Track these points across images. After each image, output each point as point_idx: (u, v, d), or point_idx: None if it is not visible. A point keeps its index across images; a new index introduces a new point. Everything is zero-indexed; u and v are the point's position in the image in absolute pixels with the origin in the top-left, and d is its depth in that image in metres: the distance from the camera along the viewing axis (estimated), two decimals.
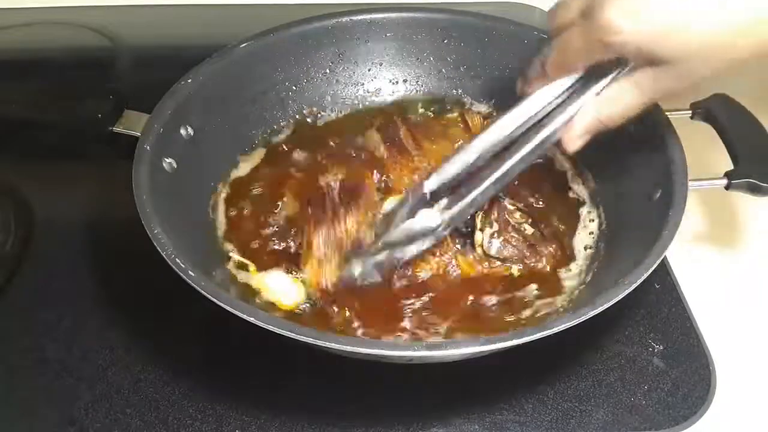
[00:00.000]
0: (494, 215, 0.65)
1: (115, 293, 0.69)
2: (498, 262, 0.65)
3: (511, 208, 0.67)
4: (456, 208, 0.59)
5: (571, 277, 0.66)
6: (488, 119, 0.78)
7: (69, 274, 0.70)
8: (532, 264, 0.65)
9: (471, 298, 0.63)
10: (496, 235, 0.64)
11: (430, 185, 0.60)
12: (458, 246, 0.65)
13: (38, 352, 0.64)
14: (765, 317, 0.68)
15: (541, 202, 0.71)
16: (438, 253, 0.64)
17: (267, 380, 0.62)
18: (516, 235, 0.65)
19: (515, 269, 0.65)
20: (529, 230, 0.66)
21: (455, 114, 0.80)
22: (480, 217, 0.65)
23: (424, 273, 0.64)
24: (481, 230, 0.65)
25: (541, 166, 0.75)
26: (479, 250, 0.65)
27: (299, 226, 0.67)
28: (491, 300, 0.63)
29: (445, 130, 0.77)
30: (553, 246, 0.67)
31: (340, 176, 0.71)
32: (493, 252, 0.65)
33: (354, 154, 0.74)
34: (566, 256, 0.67)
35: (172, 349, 0.64)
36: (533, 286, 0.64)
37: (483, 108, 0.81)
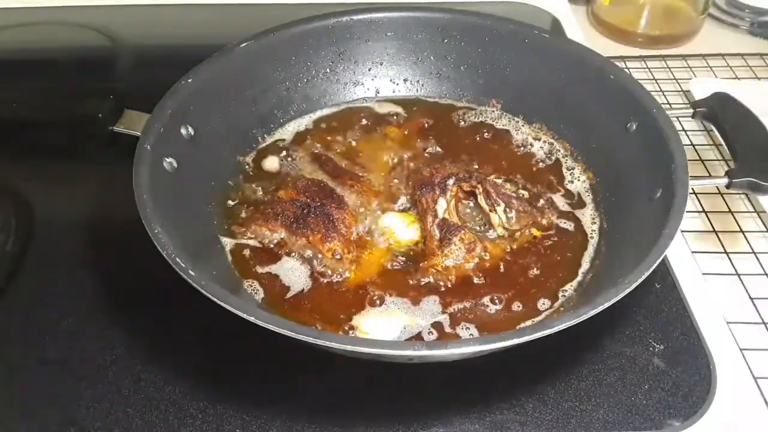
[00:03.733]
0: (493, 195, 0.68)
1: (115, 293, 0.69)
2: (518, 233, 0.68)
3: (500, 182, 0.71)
4: None
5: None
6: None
7: (69, 274, 0.70)
8: (544, 221, 0.69)
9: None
10: (507, 210, 0.68)
11: None
12: (481, 234, 0.68)
13: (38, 352, 0.64)
14: (765, 317, 0.68)
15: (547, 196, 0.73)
16: (469, 250, 0.66)
17: (267, 380, 0.62)
18: (519, 203, 0.69)
19: (534, 231, 0.69)
20: (525, 194, 0.71)
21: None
22: (483, 201, 0.68)
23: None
24: (493, 211, 0.68)
25: (542, 166, 0.76)
26: (500, 230, 0.68)
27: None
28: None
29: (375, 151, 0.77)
30: (548, 197, 0.72)
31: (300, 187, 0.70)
32: (513, 224, 0.68)
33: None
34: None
35: (172, 349, 0.64)
36: None
37: (483, 107, 0.81)
